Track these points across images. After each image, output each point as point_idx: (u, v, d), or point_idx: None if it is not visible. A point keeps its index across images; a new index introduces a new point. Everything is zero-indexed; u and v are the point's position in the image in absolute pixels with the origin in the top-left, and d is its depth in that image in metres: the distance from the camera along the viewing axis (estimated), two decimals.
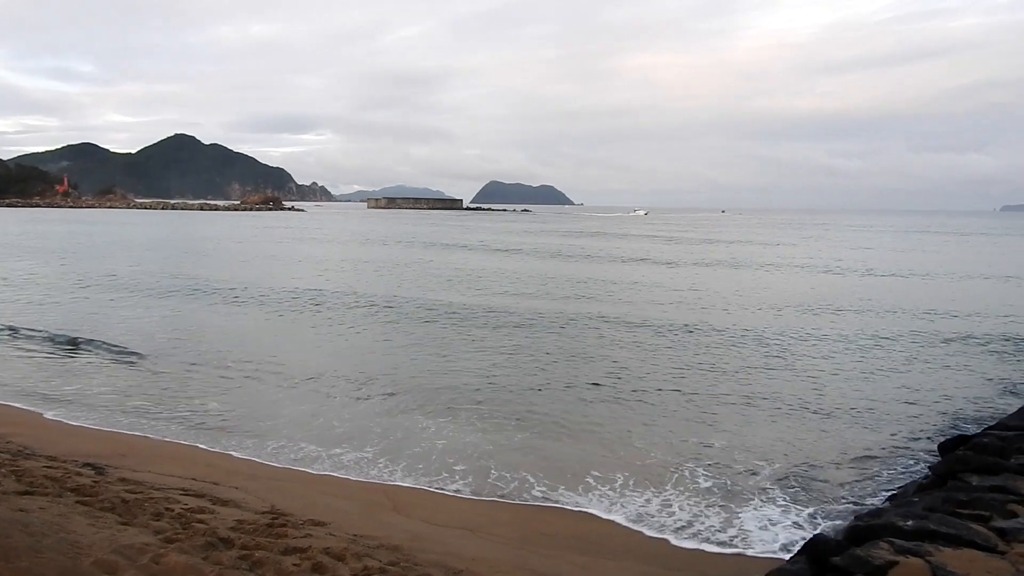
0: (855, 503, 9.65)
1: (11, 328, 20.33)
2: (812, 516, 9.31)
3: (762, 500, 9.79)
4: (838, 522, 8.91)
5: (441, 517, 8.92)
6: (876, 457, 11.32)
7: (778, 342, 20.04)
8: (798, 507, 9.57)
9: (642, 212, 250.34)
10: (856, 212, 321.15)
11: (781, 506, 9.61)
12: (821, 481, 10.39)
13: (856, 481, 10.42)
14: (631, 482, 10.31)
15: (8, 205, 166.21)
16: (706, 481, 10.36)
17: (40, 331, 19.99)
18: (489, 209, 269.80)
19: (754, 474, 10.66)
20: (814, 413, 13.58)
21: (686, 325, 22.44)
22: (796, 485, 10.25)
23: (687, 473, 10.65)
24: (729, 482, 10.36)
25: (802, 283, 36.38)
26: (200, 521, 6.69)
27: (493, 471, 10.60)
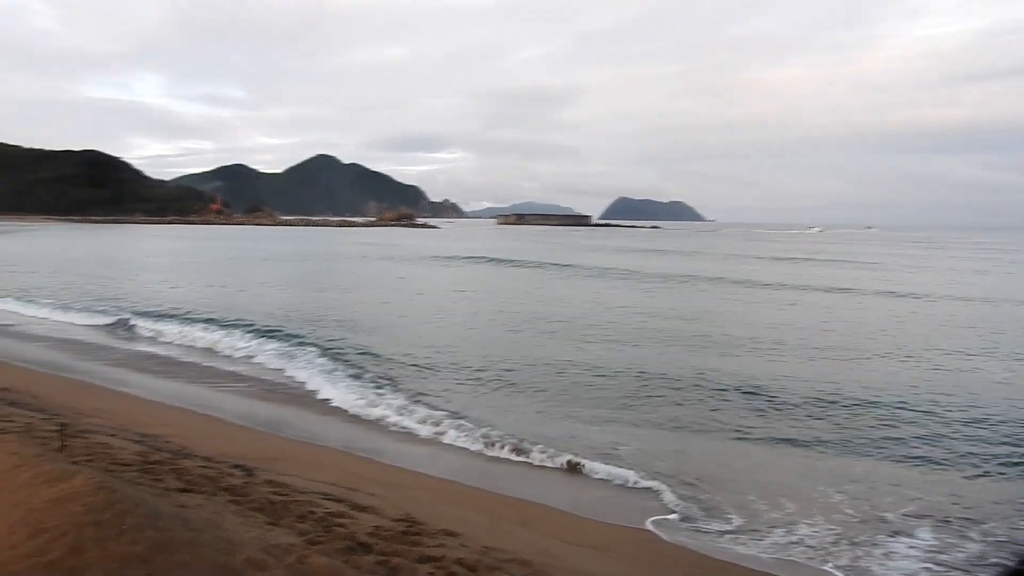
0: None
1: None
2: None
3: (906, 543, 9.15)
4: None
5: (569, 535, 8.90)
6: None
7: None
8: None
9: (816, 229, 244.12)
10: (1015, 229, 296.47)
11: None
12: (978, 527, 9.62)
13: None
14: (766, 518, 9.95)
15: (169, 222, 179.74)
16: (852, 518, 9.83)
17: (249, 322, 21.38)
18: (618, 225, 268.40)
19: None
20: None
21: None
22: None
23: (835, 503, 10.17)
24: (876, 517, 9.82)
25: None
26: (340, 525, 6.95)
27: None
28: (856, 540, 9.05)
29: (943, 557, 8.70)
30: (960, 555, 8.71)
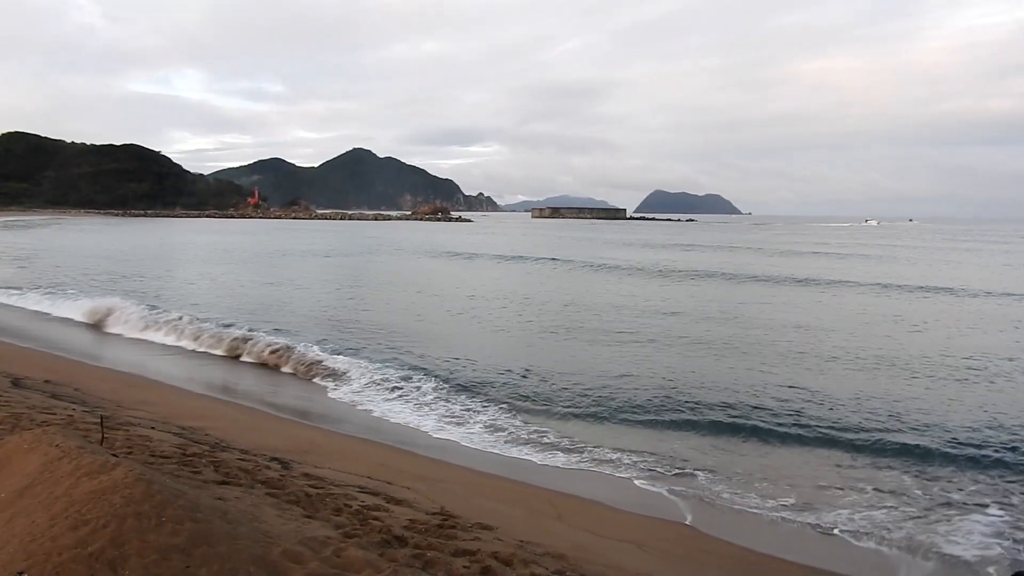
0: None
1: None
2: None
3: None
4: None
5: (605, 529, 8.84)
6: None
7: None
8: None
9: (874, 223, 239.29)
10: None
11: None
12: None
13: None
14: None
15: (208, 215, 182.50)
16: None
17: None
18: (653, 219, 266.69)
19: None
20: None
21: None
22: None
23: (868, 490, 10.03)
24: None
25: None
26: (376, 519, 6.97)
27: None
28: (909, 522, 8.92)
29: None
30: None
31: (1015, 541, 8.81)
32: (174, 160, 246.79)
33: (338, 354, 18.00)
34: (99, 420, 8.34)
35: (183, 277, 39.48)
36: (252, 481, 7.52)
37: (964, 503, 9.92)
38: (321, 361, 17.29)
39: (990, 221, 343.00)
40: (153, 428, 10.15)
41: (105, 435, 7.71)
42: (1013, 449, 11.90)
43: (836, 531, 9.12)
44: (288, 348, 18.36)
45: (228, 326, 21.43)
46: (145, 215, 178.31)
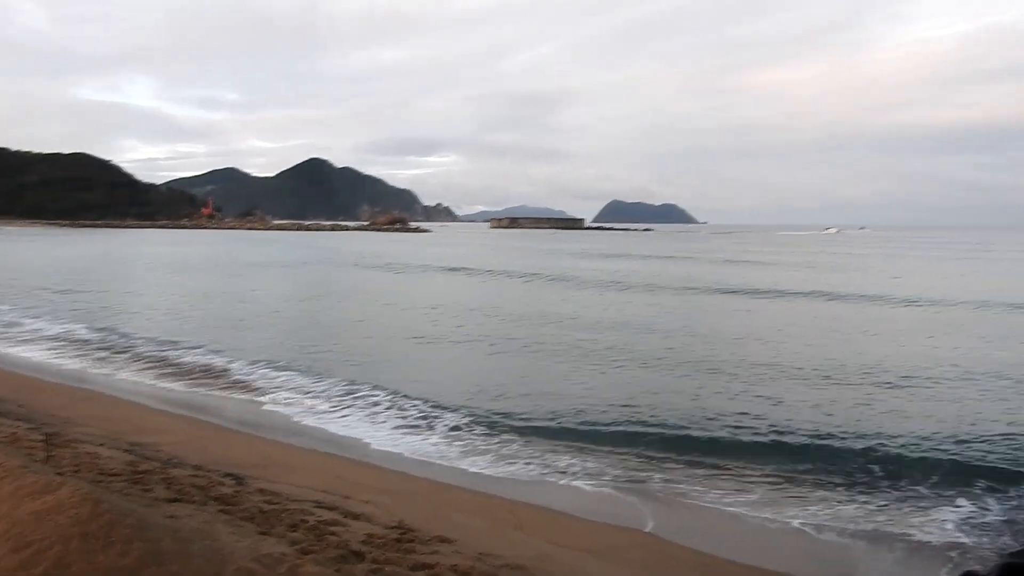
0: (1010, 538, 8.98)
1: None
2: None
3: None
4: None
5: (566, 538, 8.82)
6: None
7: None
8: None
9: (834, 230, 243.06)
10: (1004, 228, 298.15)
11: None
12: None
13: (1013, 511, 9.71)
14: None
15: (161, 226, 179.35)
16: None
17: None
18: (611, 228, 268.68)
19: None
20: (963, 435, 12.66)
21: None
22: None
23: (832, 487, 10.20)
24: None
25: None
26: (333, 533, 6.86)
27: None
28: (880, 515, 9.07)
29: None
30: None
31: (983, 529, 9.15)
32: (125, 169, 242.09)
33: (285, 370, 17.69)
34: (44, 438, 8.09)
35: (124, 290, 38.48)
36: (205, 498, 7.36)
37: (931, 496, 10.25)
38: (259, 377, 17.01)
39: (941, 228, 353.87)
40: (102, 445, 9.88)
41: (51, 453, 7.48)
42: (963, 443, 12.23)
43: (798, 524, 9.30)
44: (226, 367, 18.01)
45: (168, 344, 20.91)
46: (95, 225, 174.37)
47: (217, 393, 16.06)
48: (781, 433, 13.10)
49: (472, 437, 12.89)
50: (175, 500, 6.91)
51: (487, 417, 14.04)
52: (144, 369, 18.27)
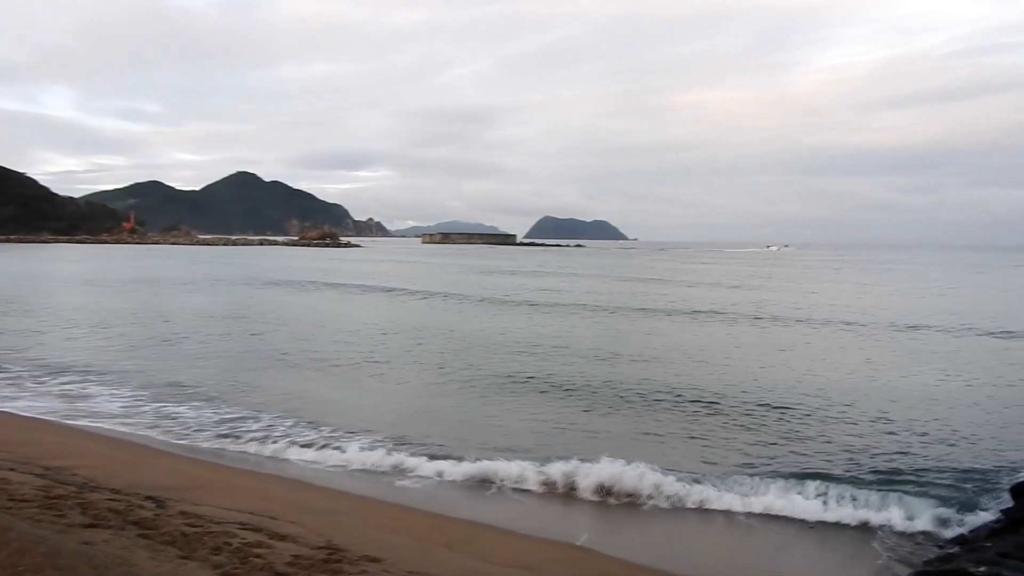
0: (923, 547, 9.32)
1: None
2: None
3: None
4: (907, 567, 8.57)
5: (496, 555, 8.80)
6: (946, 498, 10.84)
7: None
8: None
9: (775, 248, 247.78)
10: (917, 248, 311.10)
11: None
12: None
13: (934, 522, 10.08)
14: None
15: (79, 241, 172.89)
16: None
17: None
18: (543, 244, 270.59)
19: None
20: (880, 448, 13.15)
21: None
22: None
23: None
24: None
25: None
26: (258, 556, 6.72)
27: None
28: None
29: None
30: None
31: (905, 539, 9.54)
32: (41, 182, 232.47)
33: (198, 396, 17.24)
34: None
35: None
36: (123, 522, 7.12)
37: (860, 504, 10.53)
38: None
39: (862, 246, 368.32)
40: (12, 470, 9.47)
41: None
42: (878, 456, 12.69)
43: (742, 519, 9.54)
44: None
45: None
46: (8, 241, 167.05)
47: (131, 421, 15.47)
48: (712, 445, 13.39)
49: (400, 453, 12.71)
50: (91, 526, 6.67)
51: (414, 436, 13.84)
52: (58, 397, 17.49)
